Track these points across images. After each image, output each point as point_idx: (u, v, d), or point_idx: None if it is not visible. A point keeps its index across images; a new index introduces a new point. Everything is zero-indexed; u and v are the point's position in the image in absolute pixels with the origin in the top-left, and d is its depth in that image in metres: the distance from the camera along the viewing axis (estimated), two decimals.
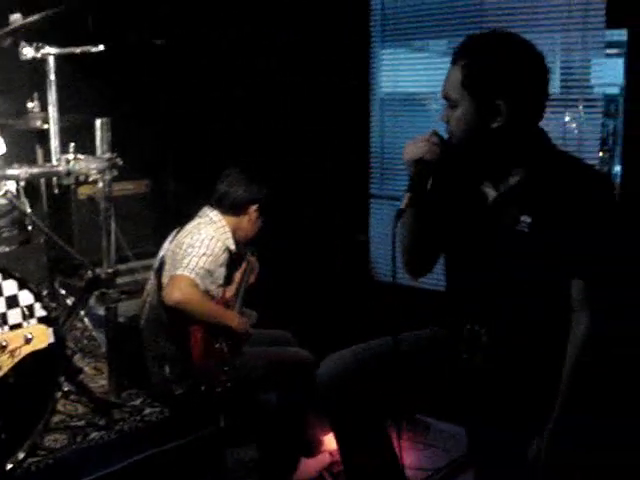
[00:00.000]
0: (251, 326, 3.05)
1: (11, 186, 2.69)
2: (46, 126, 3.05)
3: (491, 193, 2.03)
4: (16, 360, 2.02)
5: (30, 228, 3.15)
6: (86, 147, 2.87)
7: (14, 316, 2.45)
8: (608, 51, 3.27)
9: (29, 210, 3.05)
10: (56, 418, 2.83)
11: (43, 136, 3.26)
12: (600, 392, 1.97)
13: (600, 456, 2.07)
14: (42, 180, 3.36)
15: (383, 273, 4.19)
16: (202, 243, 2.86)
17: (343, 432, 2.27)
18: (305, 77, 4.14)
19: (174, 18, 4.33)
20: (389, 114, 4.07)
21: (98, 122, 2.73)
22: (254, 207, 3.02)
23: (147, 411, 3.00)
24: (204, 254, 2.83)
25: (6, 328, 2.37)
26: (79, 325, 3.69)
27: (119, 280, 3.91)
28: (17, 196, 2.96)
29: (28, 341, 2.06)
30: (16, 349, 2.02)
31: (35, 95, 3.22)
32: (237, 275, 3.12)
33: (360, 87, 4.08)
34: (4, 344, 1.97)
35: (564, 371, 1.94)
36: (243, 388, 2.94)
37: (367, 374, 2.19)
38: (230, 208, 3.00)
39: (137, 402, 3.08)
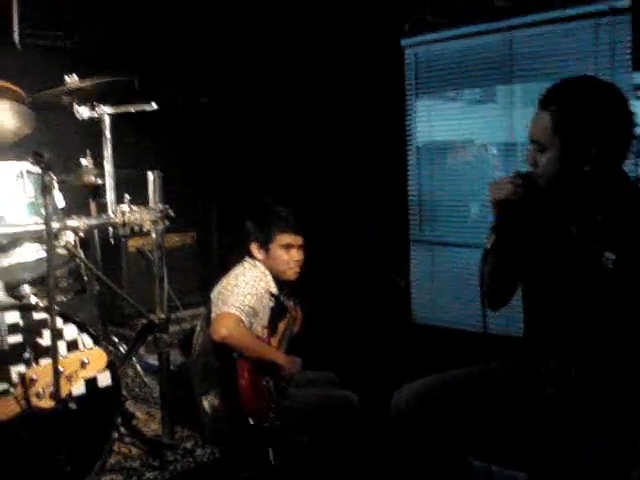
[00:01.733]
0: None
1: (70, 237, 2.84)
2: (100, 181, 3.25)
3: (576, 231, 2.08)
4: (73, 385, 2.07)
5: (85, 279, 3.30)
6: (138, 200, 3.04)
7: None
8: (638, 93, 3.36)
9: (87, 261, 3.20)
10: (112, 459, 2.93)
11: (96, 191, 3.44)
12: None
13: None
14: (96, 233, 3.52)
15: (423, 316, 4.27)
16: (247, 284, 2.99)
17: (413, 466, 2.28)
18: (347, 128, 4.31)
19: (219, 77, 4.57)
20: (425, 162, 4.21)
21: (151, 175, 2.89)
22: (272, 244, 3.08)
23: (199, 452, 3.09)
24: (249, 293, 2.95)
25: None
26: (130, 373, 3.83)
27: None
28: (75, 247, 3.12)
29: (84, 365, 2.06)
30: (72, 374, 2.07)
31: (88, 152, 3.39)
32: (281, 325, 3.25)
33: (398, 137, 4.23)
34: (61, 370, 2.04)
35: None
36: (290, 427, 3.01)
37: (450, 406, 2.23)
38: (260, 241, 3.11)
39: (189, 444, 3.17)
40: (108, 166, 2.91)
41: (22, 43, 4.07)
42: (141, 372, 3.68)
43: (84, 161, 3.38)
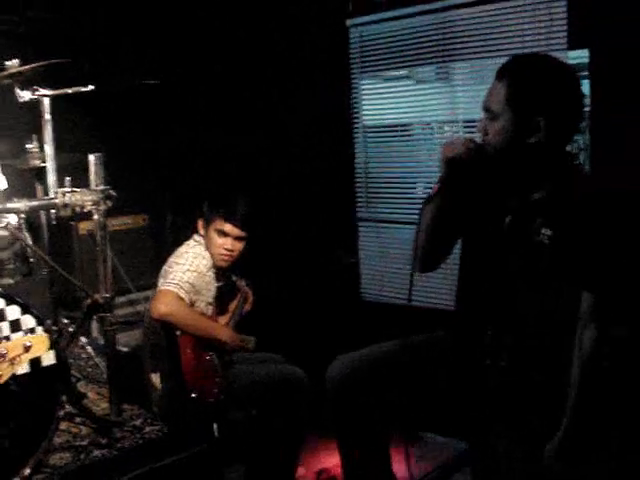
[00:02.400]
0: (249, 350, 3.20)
1: (12, 219, 2.86)
2: (44, 164, 3.26)
3: (516, 204, 2.16)
4: (17, 368, 2.11)
5: (32, 261, 3.31)
6: (84, 183, 3.06)
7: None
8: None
9: (30, 243, 3.22)
10: (61, 439, 2.96)
11: (42, 174, 3.45)
12: (609, 401, 2.06)
13: (608, 466, 2.15)
14: (43, 215, 3.53)
15: (371, 293, 4.35)
16: (187, 260, 3.04)
17: (347, 434, 2.37)
18: (295, 107, 4.35)
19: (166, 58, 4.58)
20: (371, 141, 4.28)
21: (92, 157, 2.91)
22: (211, 225, 3.11)
23: (147, 429, 3.12)
24: (188, 269, 2.99)
25: None
26: (83, 355, 3.85)
27: (120, 311, 4.12)
28: (19, 229, 3.13)
29: (27, 349, 2.14)
30: (16, 357, 2.10)
31: (34, 136, 3.40)
32: (232, 304, 3.30)
33: (344, 116, 4.29)
34: (4, 352, 2.06)
35: (572, 381, 2.02)
36: (235, 401, 3.07)
37: (378, 377, 2.31)
38: (203, 224, 3.16)
39: (138, 422, 3.21)
40: (49, 149, 2.93)
41: None
42: (92, 353, 3.71)
43: (30, 145, 3.40)
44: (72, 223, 4.27)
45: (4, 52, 3.28)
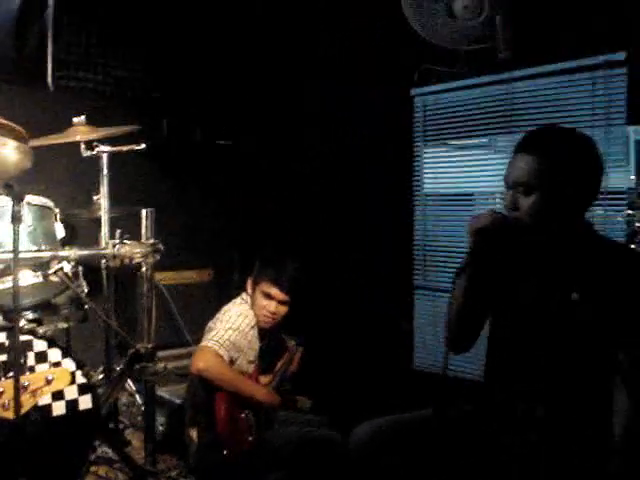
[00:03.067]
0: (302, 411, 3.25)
1: (66, 266, 3.01)
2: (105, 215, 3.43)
3: (547, 272, 2.18)
4: (37, 400, 2.22)
5: (87, 307, 3.45)
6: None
7: None
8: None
9: (86, 291, 3.36)
10: None
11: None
12: None
13: None
14: (103, 264, 3.69)
15: (423, 362, 4.28)
16: (230, 318, 3.12)
17: None
18: (356, 174, 4.42)
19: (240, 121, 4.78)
20: (431, 209, 4.29)
21: (144, 212, 3.05)
22: (258, 286, 3.18)
23: None
24: (230, 328, 3.07)
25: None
26: (136, 403, 3.95)
27: (178, 363, 4.20)
28: (76, 276, 3.28)
29: (49, 382, 2.25)
30: (37, 389, 2.22)
31: (99, 188, 3.56)
32: (279, 363, 3.33)
33: (405, 184, 4.32)
34: (26, 384, 2.18)
35: (614, 447, 2.01)
36: (267, 461, 3.06)
37: (401, 443, 2.31)
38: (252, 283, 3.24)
39: (174, 473, 3.27)
40: (105, 202, 3.08)
41: (54, 84, 4.35)
42: (139, 401, 3.80)
43: (96, 197, 3.58)
44: (138, 272, 4.45)
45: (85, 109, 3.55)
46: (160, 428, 3.61)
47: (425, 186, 4.29)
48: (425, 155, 4.27)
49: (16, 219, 2.12)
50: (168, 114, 4.76)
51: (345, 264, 4.38)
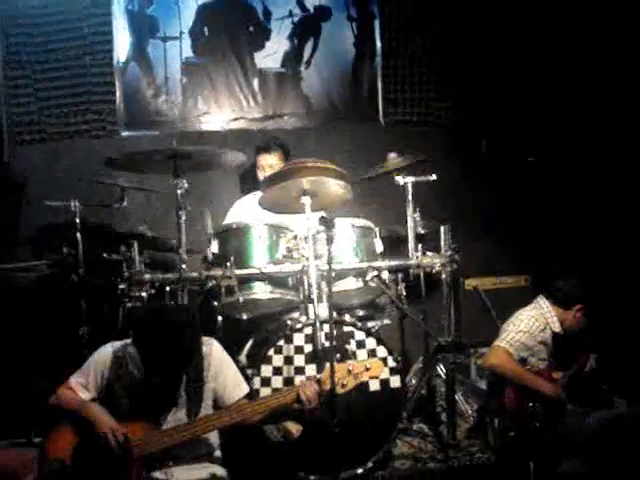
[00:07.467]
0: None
1: (384, 274, 3.74)
2: (422, 231, 4.10)
3: None
4: (357, 381, 2.89)
5: (405, 307, 4.16)
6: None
7: None
8: None
9: (404, 294, 4.03)
10: (408, 450, 3.79)
11: (421, 240, 4.26)
12: None
13: None
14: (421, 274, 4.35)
15: None
16: (522, 322, 3.67)
17: None
18: None
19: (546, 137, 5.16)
20: None
21: (442, 228, 3.71)
22: (578, 306, 3.68)
23: (478, 455, 3.74)
24: (521, 330, 3.62)
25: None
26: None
27: None
28: (396, 282, 3.97)
29: (367, 370, 2.94)
30: (358, 374, 2.91)
31: (417, 209, 4.24)
32: (573, 365, 3.72)
33: None
34: (350, 369, 2.91)
35: None
36: (564, 447, 3.44)
37: None
38: (559, 301, 3.72)
39: (474, 448, 3.83)
40: (410, 221, 3.78)
41: (385, 120, 5.21)
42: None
43: (415, 215, 4.28)
44: (461, 278, 5.06)
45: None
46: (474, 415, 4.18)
47: None
48: None
49: (329, 241, 2.92)
50: (487, 135, 5.33)
51: None
